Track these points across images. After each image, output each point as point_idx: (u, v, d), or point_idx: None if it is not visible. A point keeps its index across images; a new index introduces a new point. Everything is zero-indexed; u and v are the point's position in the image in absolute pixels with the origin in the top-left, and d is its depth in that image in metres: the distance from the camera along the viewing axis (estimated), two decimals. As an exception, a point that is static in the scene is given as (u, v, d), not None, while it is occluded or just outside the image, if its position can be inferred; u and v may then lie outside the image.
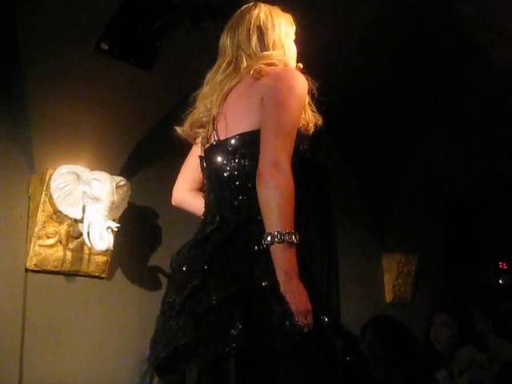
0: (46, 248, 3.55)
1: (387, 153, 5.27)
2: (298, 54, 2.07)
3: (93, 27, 3.37)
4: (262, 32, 1.99)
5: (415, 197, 5.61)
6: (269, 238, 1.67)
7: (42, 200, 3.51)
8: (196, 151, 2.11)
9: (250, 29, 1.99)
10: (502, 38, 4.28)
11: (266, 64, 1.92)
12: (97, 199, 3.51)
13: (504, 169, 5.99)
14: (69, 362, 3.64)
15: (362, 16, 3.94)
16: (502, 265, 6.92)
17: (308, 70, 1.97)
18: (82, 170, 3.56)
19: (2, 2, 3.18)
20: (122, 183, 3.72)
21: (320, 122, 2.00)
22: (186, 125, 2.06)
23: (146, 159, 4.09)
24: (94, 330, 3.78)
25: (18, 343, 3.46)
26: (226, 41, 2.04)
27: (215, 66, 2.04)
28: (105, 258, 3.77)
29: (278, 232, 1.66)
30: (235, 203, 1.84)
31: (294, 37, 2.08)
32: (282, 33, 2.02)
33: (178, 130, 2.08)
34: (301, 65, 2.01)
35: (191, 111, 2.05)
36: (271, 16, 2.02)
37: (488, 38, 4.32)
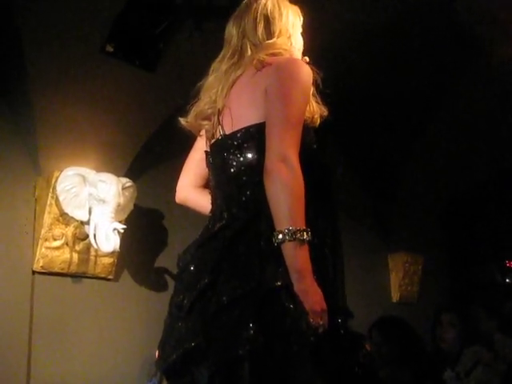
0: (53, 250, 3.57)
1: (391, 152, 5.28)
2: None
3: (97, 29, 3.38)
4: (268, 21, 1.94)
5: (420, 196, 5.61)
6: (280, 236, 1.61)
7: (48, 202, 3.53)
8: (199, 145, 2.07)
9: (256, 17, 1.94)
10: (501, 36, 4.27)
11: (271, 54, 1.87)
12: (103, 201, 3.52)
13: (507, 166, 5.98)
14: (76, 363, 3.65)
15: (360, 15, 3.94)
16: (509, 263, 6.91)
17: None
18: (87, 171, 3.57)
19: (6, 4, 3.20)
20: (127, 185, 3.72)
21: (325, 114, 1.96)
22: (191, 116, 2.00)
23: (151, 160, 4.10)
24: (101, 332, 3.79)
25: (25, 345, 3.47)
26: (231, 30, 1.99)
27: (220, 56, 2.00)
28: (111, 260, 3.78)
29: (288, 230, 1.61)
30: (243, 199, 1.78)
31: (301, 29, 2.04)
32: (290, 23, 1.97)
33: (182, 121, 2.03)
34: (307, 58, 1.97)
35: (195, 102, 2.00)
36: (278, 6, 1.97)
37: (487, 35, 4.31)
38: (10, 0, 3.19)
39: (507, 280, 6.74)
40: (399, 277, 5.69)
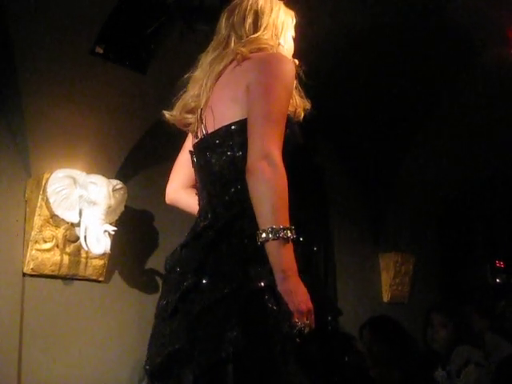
0: (43, 252, 3.55)
1: (383, 152, 5.29)
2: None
3: (87, 31, 3.37)
4: (257, 15, 1.93)
5: (412, 196, 5.62)
6: (263, 235, 1.58)
7: (38, 204, 3.51)
8: (188, 146, 2.04)
9: (246, 10, 1.93)
10: (495, 37, 4.30)
11: (256, 49, 1.85)
12: (93, 203, 3.51)
13: (499, 168, 6.01)
14: (67, 366, 3.64)
15: (355, 18, 3.95)
16: (499, 263, 6.93)
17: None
18: (78, 173, 3.56)
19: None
20: (118, 186, 3.72)
21: (308, 107, 1.93)
22: (175, 109, 1.99)
23: (142, 162, 4.09)
24: (92, 334, 3.78)
25: (15, 348, 3.45)
26: (222, 21, 1.99)
27: (209, 47, 1.99)
28: (102, 262, 3.77)
29: (271, 228, 1.57)
30: (227, 198, 1.76)
31: (292, 31, 2.02)
32: (279, 20, 1.95)
33: (166, 114, 2.01)
34: (296, 61, 1.95)
35: (181, 95, 1.98)
36: (271, 2, 1.96)
37: (481, 37, 4.34)
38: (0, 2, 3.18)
39: (498, 280, 6.77)
40: (390, 277, 5.70)
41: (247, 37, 1.89)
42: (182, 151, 2.12)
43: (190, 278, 1.68)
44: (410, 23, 4.14)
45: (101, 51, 3.42)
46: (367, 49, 4.32)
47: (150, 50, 3.55)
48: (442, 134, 5.27)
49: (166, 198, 2.15)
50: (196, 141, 1.92)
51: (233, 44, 1.90)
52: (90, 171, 3.62)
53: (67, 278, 3.69)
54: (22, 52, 3.32)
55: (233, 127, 1.77)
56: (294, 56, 2.01)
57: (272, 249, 1.59)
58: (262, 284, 1.61)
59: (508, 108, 4.95)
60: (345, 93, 4.69)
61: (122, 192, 3.75)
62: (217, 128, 1.81)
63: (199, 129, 1.89)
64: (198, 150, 1.90)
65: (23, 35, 3.27)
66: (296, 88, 1.89)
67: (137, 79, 3.64)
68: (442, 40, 4.31)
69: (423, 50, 4.40)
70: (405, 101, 4.88)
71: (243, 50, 1.82)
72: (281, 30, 1.95)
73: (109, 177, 3.67)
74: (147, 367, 1.77)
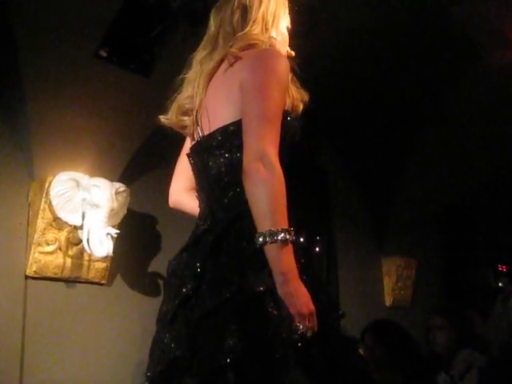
0: (46, 255, 3.56)
1: (385, 155, 5.29)
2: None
3: (91, 34, 3.38)
4: (245, 10, 1.84)
5: (414, 200, 5.62)
6: (261, 239, 1.53)
7: (41, 207, 3.52)
8: (187, 148, 1.99)
9: (234, 6, 1.85)
10: (498, 41, 4.31)
11: (246, 46, 1.78)
12: (96, 206, 3.52)
13: (501, 172, 6.01)
14: (69, 368, 3.64)
15: (356, 21, 3.95)
16: (502, 267, 6.92)
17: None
18: (81, 176, 3.57)
19: (1, 9, 3.19)
20: (121, 189, 3.72)
21: (306, 99, 1.87)
22: (171, 112, 1.94)
23: (145, 165, 4.10)
24: (94, 337, 3.78)
25: (18, 350, 3.45)
26: (211, 19, 1.92)
27: (199, 46, 1.94)
28: (104, 265, 3.77)
29: (269, 231, 1.52)
30: (225, 201, 1.71)
31: (287, 22, 1.94)
32: (269, 13, 1.85)
33: (162, 118, 1.97)
34: (292, 52, 1.90)
35: (175, 97, 1.93)
36: None
37: (483, 40, 4.34)
38: (5, 5, 3.19)
39: (500, 284, 6.76)
40: (392, 281, 5.70)
41: (236, 33, 1.82)
42: (181, 153, 2.08)
43: (190, 283, 1.65)
44: (412, 26, 4.15)
45: (104, 54, 3.43)
46: (369, 52, 4.33)
47: (154, 53, 3.55)
48: (444, 137, 5.26)
49: (169, 201, 2.11)
50: (192, 143, 1.89)
51: (221, 41, 1.83)
52: (93, 174, 3.63)
53: (70, 281, 3.69)
54: (26, 55, 3.33)
55: (230, 128, 1.72)
56: (291, 48, 1.95)
57: (271, 252, 1.54)
58: (262, 288, 1.56)
59: (509, 111, 4.95)
60: (347, 96, 4.69)
61: (124, 195, 3.75)
62: (212, 130, 1.77)
63: (195, 131, 1.85)
64: (195, 153, 1.86)
65: (27, 38, 3.28)
66: (291, 80, 1.82)
67: (140, 82, 3.64)
68: (444, 43, 4.32)
69: (425, 53, 4.41)
70: (407, 104, 4.88)
71: (232, 50, 1.76)
72: (271, 22, 1.86)
73: (112, 180, 3.67)
74: (148, 374, 1.74)
